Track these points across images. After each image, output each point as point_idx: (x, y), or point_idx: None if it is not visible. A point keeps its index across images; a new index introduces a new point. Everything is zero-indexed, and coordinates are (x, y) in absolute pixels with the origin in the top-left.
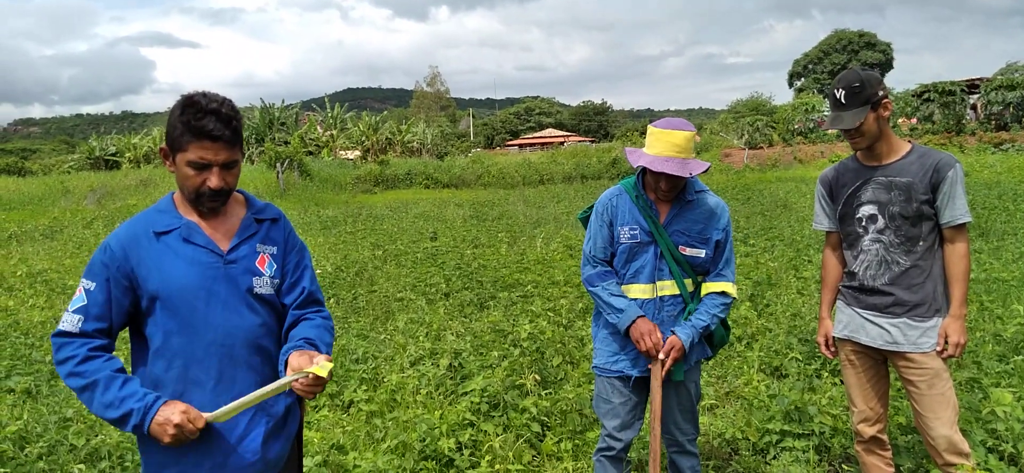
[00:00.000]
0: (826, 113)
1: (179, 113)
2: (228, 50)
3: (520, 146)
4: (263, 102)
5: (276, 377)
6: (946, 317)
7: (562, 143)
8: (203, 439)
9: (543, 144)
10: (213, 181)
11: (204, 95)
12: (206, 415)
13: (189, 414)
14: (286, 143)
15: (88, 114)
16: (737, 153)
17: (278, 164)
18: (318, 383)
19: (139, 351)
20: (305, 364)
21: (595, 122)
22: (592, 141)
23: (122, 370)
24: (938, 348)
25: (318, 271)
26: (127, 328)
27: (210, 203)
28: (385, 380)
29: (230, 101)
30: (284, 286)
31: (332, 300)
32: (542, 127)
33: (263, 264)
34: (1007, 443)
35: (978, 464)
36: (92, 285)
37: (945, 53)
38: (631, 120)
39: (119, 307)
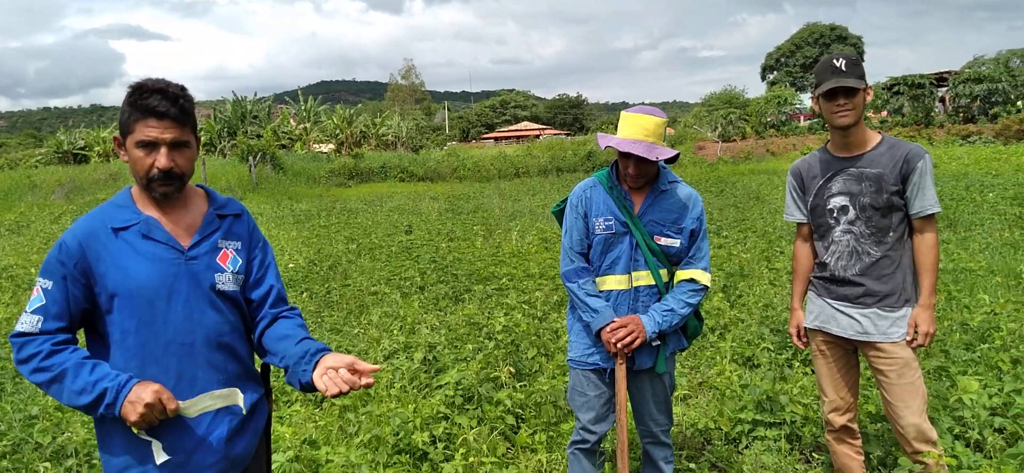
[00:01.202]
0: (799, 106)
1: (127, 97)
2: (200, 43)
3: (496, 139)
4: (235, 95)
5: (240, 375)
6: (916, 307)
7: (538, 136)
8: (165, 436)
9: (519, 137)
10: (161, 160)
11: (152, 78)
12: (180, 402)
13: (162, 395)
14: (259, 136)
15: (56, 107)
16: (711, 146)
17: (251, 157)
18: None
19: (95, 349)
20: (342, 364)
21: (570, 115)
22: (568, 134)
23: (89, 358)
24: (908, 337)
25: (291, 265)
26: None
27: (161, 187)
28: None
29: (181, 84)
30: (250, 282)
31: (305, 294)
32: (518, 120)
33: (225, 260)
34: (973, 430)
35: (945, 451)
36: (49, 284)
37: (915, 46)
38: (606, 113)
39: (78, 305)
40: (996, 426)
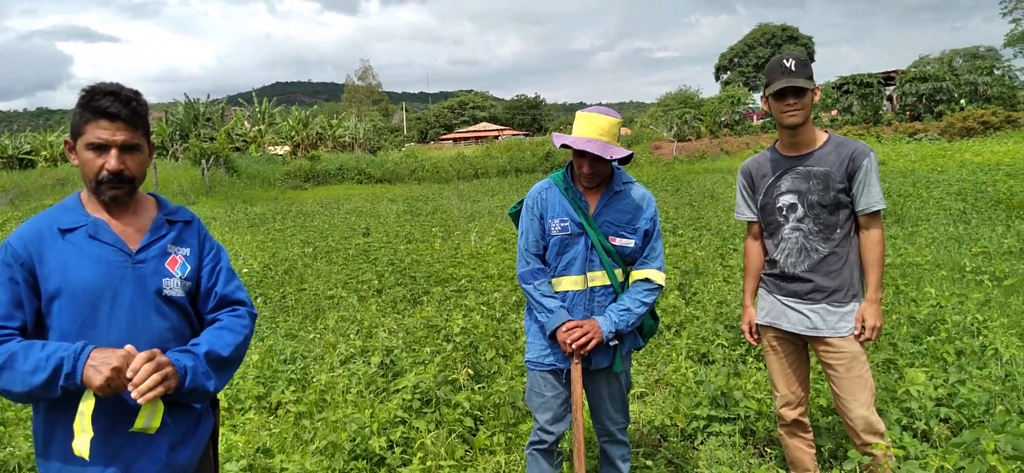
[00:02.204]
0: (752, 105)
1: (79, 100)
2: (150, 44)
3: (454, 140)
4: (187, 97)
5: None
6: (863, 302)
7: (496, 137)
8: (104, 443)
9: (477, 138)
10: (111, 163)
11: (105, 82)
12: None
13: (131, 359)
14: (212, 139)
15: (0, 111)
16: (666, 145)
17: (203, 161)
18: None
19: None
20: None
21: (529, 116)
22: (526, 134)
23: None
24: (855, 332)
25: (245, 270)
26: None
27: (111, 190)
28: (314, 380)
29: (135, 89)
30: (202, 290)
31: (260, 300)
32: (476, 121)
33: (174, 266)
34: (920, 421)
35: (893, 442)
36: None
37: (862, 46)
38: (564, 113)
39: (30, 304)
40: (942, 416)
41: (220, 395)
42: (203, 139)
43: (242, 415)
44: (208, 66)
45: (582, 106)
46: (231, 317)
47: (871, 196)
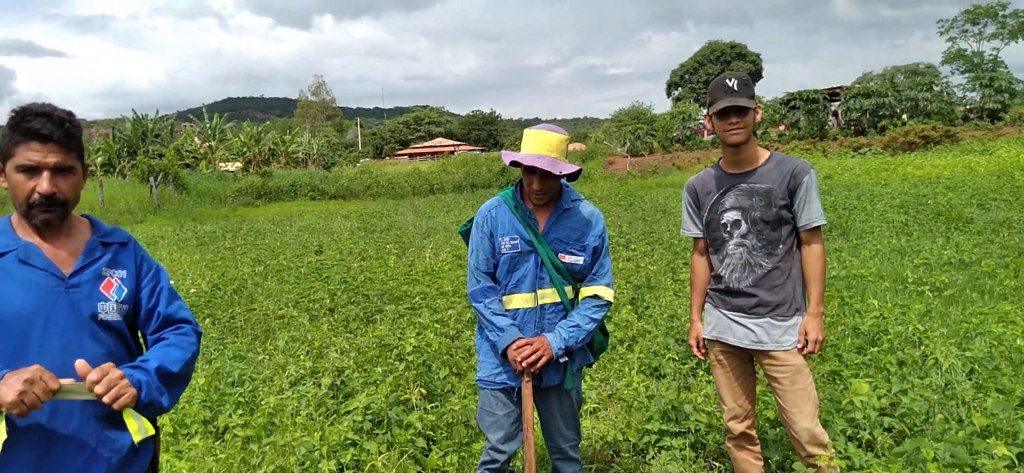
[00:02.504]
0: (703, 121)
1: (9, 121)
2: (97, 59)
3: (410, 156)
4: (135, 113)
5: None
6: (805, 315)
7: (452, 152)
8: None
9: (433, 153)
10: (43, 185)
11: (37, 103)
12: (62, 382)
13: (43, 373)
14: (160, 156)
15: None
16: (620, 160)
17: (152, 178)
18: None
19: None
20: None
21: (485, 131)
22: (482, 150)
23: None
24: (799, 345)
25: (193, 290)
26: None
27: (42, 214)
28: (263, 403)
29: (68, 110)
30: (141, 315)
31: (207, 320)
32: (432, 136)
33: (109, 289)
34: (865, 431)
35: (839, 452)
36: None
37: (809, 63)
38: (520, 128)
39: None
40: (885, 426)
41: (163, 419)
42: (152, 156)
43: (187, 440)
44: (157, 81)
45: (538, 121)
46: (177, 335)
47: (812, 212)
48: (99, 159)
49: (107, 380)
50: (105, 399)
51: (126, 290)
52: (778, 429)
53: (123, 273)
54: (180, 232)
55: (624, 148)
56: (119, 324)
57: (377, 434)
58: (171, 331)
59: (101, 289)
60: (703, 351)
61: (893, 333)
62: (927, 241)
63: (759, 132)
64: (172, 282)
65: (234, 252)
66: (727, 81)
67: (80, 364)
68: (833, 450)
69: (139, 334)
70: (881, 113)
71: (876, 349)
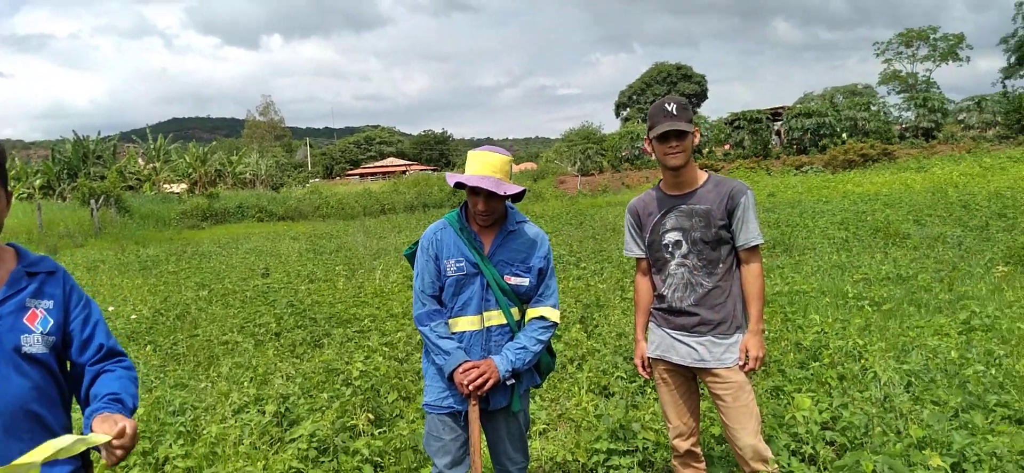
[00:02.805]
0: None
1: None
2: (36, 79)
3: (361, 176)
4: (76, 135)
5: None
6: (747, 333)
7: (404, 172)
8: None
9: (385, 173)
10: None
11: None
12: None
13: None
14: (102, 177)
15: None
16: (571, 180)
17: (93, 201)
18: (123, 449)
19: None
20: (109, 429)
21: (436, 151)
22: (434, 170)
23: None
24: (740, 362)
25: (134, 317)
26: None
27: None
28: (205, 432)
29: None
30: (74, 345)
31: (149, 347)
32: (383, 156)
33: (33, 321)
34: (807, 445)
35: (783, 467)
36: None
37: (752, 84)
38: (472, 148)
39: None
40: (828, 439)
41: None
42: (93, 178)
43: None
44: (99, 101)
45: (489, 141)
46: (123, 368)
47: (749, 232)
48: (38, 182)
49: (129, 438)
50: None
51: (52, 321)
52: (723, 446)
53: (49, 304)
54: (122, 256)
55: (575, 167)
56: (45, 357)
57: (323, 462)
58: (116, 363)
59: (25, 321)
60: (648, 370)
61: (834, 348)
62: (866, 257)
63: (705, 151)
64: (113, 308)
65: (178, 276)
66: (666, 105)
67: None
68: (775, 466)
69: (67, 366)
70: (822, 132)
71: (818, 364)
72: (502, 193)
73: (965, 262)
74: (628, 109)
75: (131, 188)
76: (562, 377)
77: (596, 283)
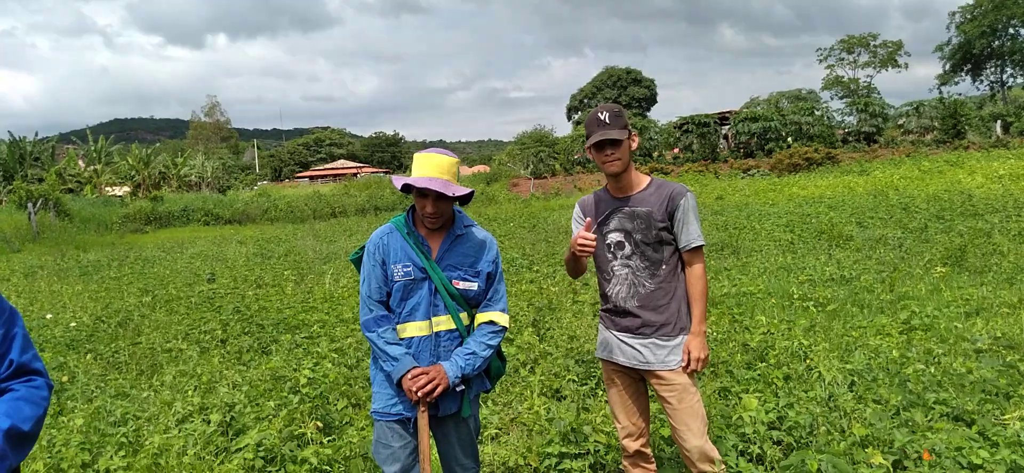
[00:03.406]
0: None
1: None
2: None
3: (311, 178)
4: (12, 135)
5: None
6: (689, 334)
7: (355, 174)
8: None
9: (335, 175)
10: None
11: None
12: None
13: None
14: (40, 180)
15: None
16: (524, 182)
17: (30, 204)
18: None
19: None
20: None
21: (388, 153)
22: (386, 172)
23: None
24: (683, 364)
25: (74, 324)
26: None
27: None
28: (147, 443)
29: None
30: None
31: (89, 355)
32: (334, 158)
33: None
34: (755, 445)
35: (730, 468)
36: None
37: (700, 89)
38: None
39: None
40: (774, 439)
41: (37, 464)
42: (30, 180)
43: None
44: (36, 101)
45: (442, 143)
46: (28, 388)
47: (690, 234)
48: None
49: None
50: None
51: None
52: (674, 448)
53: None
54: (61, 261)
55: (528, 170)
56: None
57: (270, 471)
58: (22, 383)
59: None
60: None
61: (780, 348)
62: (811, 258)
63: (655, 154)
64: (51, 315)
65: (120, 282)
66: (599, 115)
67: None
68: (723, 466)
69: None
70: (768, 136)
71: (764, 364)
72: (451, 194)
73: (905, 263)
74: (580, 112)
75: (71, 191)
76: (514, 381)
77: (548, 286)
